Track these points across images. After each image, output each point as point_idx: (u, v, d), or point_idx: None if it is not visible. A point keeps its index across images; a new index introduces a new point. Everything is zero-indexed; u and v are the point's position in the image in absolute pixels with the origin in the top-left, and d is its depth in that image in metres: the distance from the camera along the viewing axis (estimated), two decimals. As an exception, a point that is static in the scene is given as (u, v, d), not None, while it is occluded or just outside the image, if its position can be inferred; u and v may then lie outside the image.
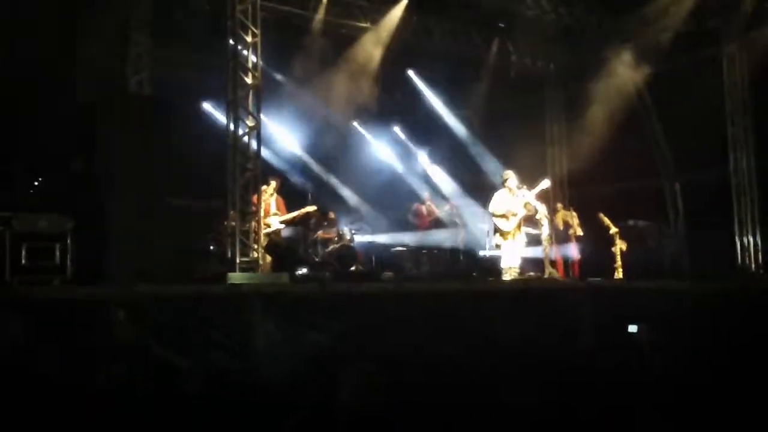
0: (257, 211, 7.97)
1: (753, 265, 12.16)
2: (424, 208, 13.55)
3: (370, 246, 13.30)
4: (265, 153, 9.93)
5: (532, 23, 13.38)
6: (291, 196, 11.21)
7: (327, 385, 3.57)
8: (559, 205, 12.97)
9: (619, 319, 7.14)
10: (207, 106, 13.50)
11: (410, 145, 16.43)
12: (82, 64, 9.52)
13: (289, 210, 10.56)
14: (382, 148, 16.13)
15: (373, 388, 3.22)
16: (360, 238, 12.85)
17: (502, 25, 13.92)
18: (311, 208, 10.91)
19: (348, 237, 12.48)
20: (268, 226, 9.96)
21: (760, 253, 12.20)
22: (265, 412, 4.28)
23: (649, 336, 5.35)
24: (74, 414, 4.77)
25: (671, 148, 14.79)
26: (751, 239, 12.30)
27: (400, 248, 13.41)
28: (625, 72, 14.38)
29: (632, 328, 5.35)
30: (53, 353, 4.90)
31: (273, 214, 10.12)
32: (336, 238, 12.38)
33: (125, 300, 5.49)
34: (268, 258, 9.28)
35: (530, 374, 4.98)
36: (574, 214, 12.73)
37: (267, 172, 10.24)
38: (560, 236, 12.22)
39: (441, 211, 13.54)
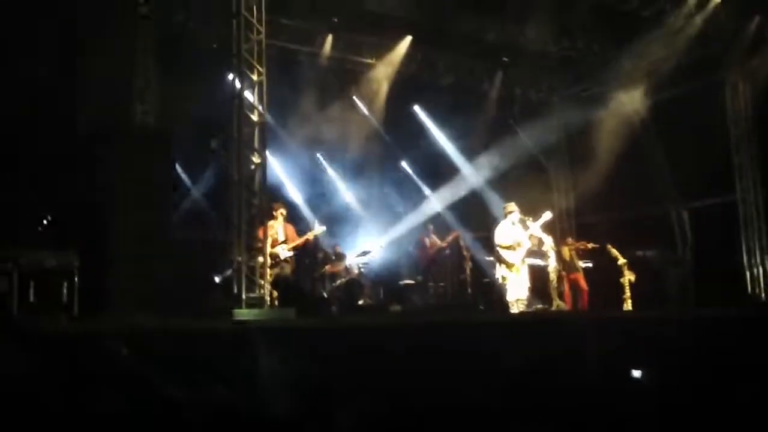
0: (263, 246, 7.99)
1: (763, 294, 12.08)
2: (427, 240, 13.55)
3: (378, 279, 13.30)
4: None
5: (534, 56, 13.51)
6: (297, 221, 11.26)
7: (327, 421, 3.58)
8: (570, 240, 12.91)
9: (627, 351, 7.11)
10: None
11: (415, 178, 16.49)
12: (84, 96, 9.69)
13: (299, 235, 10.58)
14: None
15: (371, 423, 3.22)
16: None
17: (506, 59, 14.06)
18: (319, 230, 10.88)
19: (355, 271, 12.51)
20: (277, 255, 9.95)
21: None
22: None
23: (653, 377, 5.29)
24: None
25: (676, 176, 14.78)
26: (760, 268, 12.24)
27: (408, 281, 13.41)
28: (628, 101, 14.47)
29: (636, 374, 5.31)
30: (55, 387, 4.91)
31: (281, 243, 10.11)
32: (343, 272, 12.41)
33: (128, 334, 5.51)
34: (275, 293, 9.30)
35: (535, 406, 4.95)
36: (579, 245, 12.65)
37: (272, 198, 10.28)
38: (568, 268, 12.20)
39: (444, 242, 13.51)
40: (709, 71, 13.03)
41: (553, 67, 14.26)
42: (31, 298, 6.57)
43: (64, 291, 6.65)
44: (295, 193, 14.78)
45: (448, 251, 13.64)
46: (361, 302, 11.73)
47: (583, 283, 12.06)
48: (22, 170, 9.10)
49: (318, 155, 15.38)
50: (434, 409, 5.04)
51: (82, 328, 5.72)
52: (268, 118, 11.81)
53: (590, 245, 12.11)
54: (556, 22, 12.95)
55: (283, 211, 10.38)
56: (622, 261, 11.53)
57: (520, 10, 12.21)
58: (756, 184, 12.45)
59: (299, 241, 10.41)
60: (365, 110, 14.25)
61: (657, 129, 14.74)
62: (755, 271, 12.28)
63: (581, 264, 12.30)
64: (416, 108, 15.46)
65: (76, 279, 6.77)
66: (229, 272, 9.84)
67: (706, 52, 12.56)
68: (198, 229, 11.91)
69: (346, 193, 15.67)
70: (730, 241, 12.70)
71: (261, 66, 8.22)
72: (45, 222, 8.95)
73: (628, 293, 11.32)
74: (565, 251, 12.18)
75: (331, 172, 15.70)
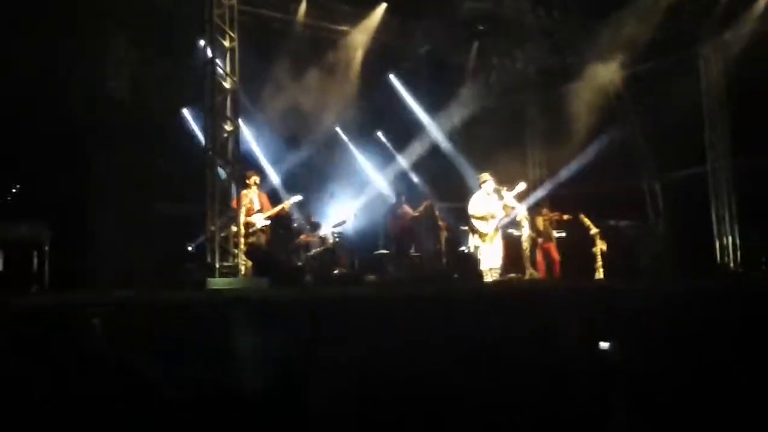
0: (237, 216, 7.94)
1: (732, 264, 12.29)
2: (400, 210, 13.52)
3: (353, 249, 13.28)
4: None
5: (510, 25, 13.45)
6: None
7: (301, 393, 3.59)
8: (545, 210, 12.97)
9: (599, 320, 7.20)
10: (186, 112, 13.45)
11: (391, 149, 16.43)
12: (62, 73, 9.53)
13: (273, 204, 10.51)
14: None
15: (342, 396, 3.22)
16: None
17: (482, 28, 13.98)
18: (296, 199, 10.82)
19: (330, 240, 12.49)
20: (253, 224, 9.90)
21: (738, 252, 12.33)
22: (244, 421, 4.27)
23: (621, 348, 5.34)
24: (48, 426, 4.73)
25: (651, 149, 14.91)
26: (729, 238, 12.44)
27: (383, 251, 13.42)
28: (603, 73, 14.51)
29: (604, 345, 5.35)
30: (26, 363, 4.87)
31: (256, 212, 10.06)
32: (318, 242, 12.38)
33: (101, 307, 5.46)
34: (249, 262, 9.26)
35: (511, 376, 5.00)
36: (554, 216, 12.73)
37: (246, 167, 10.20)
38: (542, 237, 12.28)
39: (417, 212, 13.49)
40: (683, 45, 13.10)
41: (529, 37, 14.20)
42: (1, 268, 6.48)
43: (35, 261, 6.56)
44: (266, 162, 14.62)
45: (422, 220, 13.63)
46: (336, 272, 11.73)
47: (555, 253, 12.16)
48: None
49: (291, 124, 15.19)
50: (406, 380, 5.08)
51: (54, 300, 5.64)
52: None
53: (565, 216, 12.20)
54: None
55: (256, 179, 10.29)
56: (594, 231, 11.66)
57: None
58: (726, 155, 12.60)
59: (275, 209, 10.35)
60: (340, 79, 14.08)
61: (631, 101, 14.84)
62: (725, 240, 12.47)
63: (555, 234, 12.39)
64: (392, 77, 15.32)
65: (46, 249, 6.67)
66: (201, 239, 9.81)
67: (681, 25, 12.60)
68: (179, 201, 11.86)
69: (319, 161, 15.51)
70: (701, 213, 12.88)
71: (233, 32, 8.10)
72: (14, 191, 8.82)
73: (600, 262, 11.47)
74: (539, 221, 12.26)
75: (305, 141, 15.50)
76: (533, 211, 12.50)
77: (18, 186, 8.93)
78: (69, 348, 5.05)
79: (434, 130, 15.49)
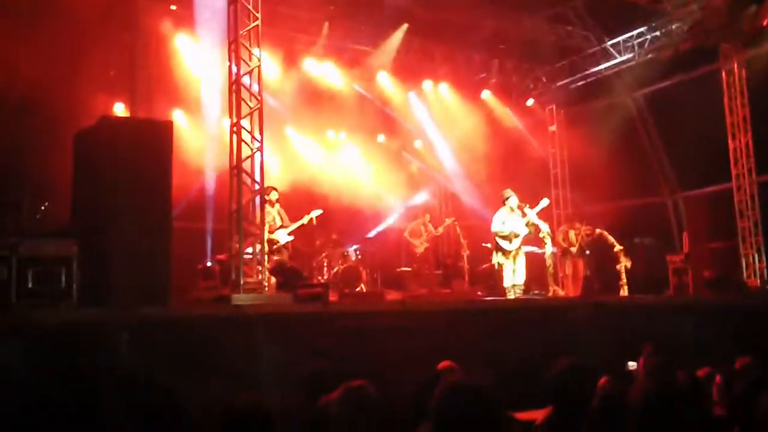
0: (261, 232, 8.00)
1: (758, 281, 12.15)
2: (422, 227, 13.53)
3: (375, 266, 13.32)
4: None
5: (530, 44, 13.50)
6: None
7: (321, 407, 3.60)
8: (577, 224, 12.85)
9: (624, 335, 7.16)
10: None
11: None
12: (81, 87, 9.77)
13: (293, 219, 10.60)
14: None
15: (363, 408, 3.23)
16: None
17: (503, 47, 14.04)
18: (317, 212, 10.89)
19: (353, 257, 12.55)
20: (277, 241, 10.02)
21: (765, 268, 12.19)
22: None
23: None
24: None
25: (673, 164, 14.85)
26: (755, 255, 12.31)
27: (405, 268, 13.45)
28: (625, 89, 14.52)
29: (632, 365, 5.32)
30: (56, 377, 4.93)
31: (279, 228, 10.16)
32: (341, 259, 12.44)
33: (129, 323, 5.53)
34: (273, 279, 9.32)
35: (532, 391, 4.97)
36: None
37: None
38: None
39: (439, 230, 13.49)
40: (705, 59, 13.07)
41: (549, 55, 14.24)
42: (30, 285, 6.55)
43: (63, 278, 6.63)
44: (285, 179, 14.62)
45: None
46: (358, 289, 11.76)
47: (581, 269, 12.10)
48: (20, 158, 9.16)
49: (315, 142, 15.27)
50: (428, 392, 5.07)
51: (83, 317, 5.72)
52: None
53: (597, 230, 12.06)
54: (551, 10, 12.95)
55: (276, 195, 10.40)
56: (618, 248, 11.59)
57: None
58: (751, 171, 12.49)
59: (296, 224, 10.45)
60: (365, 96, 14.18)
61: (654, 117, 14.80)
62: (751, 258, 12.34)
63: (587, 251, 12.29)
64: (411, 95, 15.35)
65: (74, 266, 6.74)
66: (223, 257, 9.91)
67: (703, 41, 12.57)
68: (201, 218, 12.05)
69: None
70: (727, 228, 12.77)
71: (258, 52, 8.21)
72: (43, 208, 8.98)
73: (624, 279, 11.39)
74: (572, 234, 12.15)
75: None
76: (567, 224, 12.48)
77: (46, 203, 9.10)
78: (98, 363, 5.12)
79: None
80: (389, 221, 14.94)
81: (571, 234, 12.38)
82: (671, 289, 12.02)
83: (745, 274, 12.25)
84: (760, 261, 12.27)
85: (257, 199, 7.96)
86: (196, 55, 11.61)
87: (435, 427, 2.43)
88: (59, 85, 9.92)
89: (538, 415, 4.04)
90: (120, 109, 11.70)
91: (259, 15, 8.21)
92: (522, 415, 4.36)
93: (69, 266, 6.67)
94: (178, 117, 12.02)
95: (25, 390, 4.85)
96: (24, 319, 5.52)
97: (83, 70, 10.27)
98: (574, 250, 12.13)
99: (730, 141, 12.64)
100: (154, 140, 7.33)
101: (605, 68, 14.00)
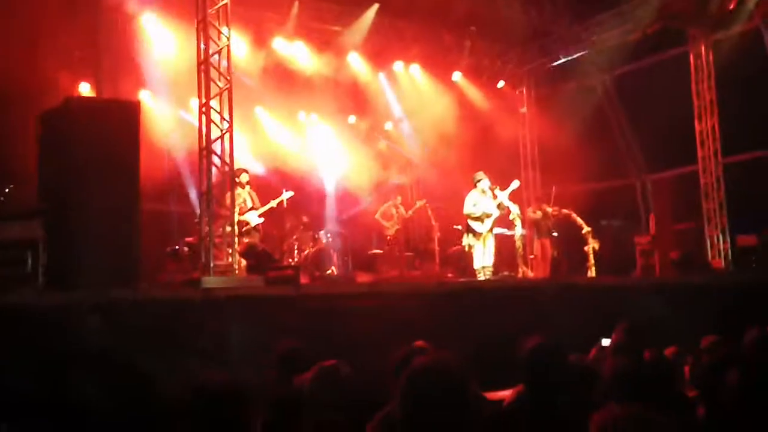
0: (231, 214, 7.94)
1: (722, 261, 12.38)
2: (394, 209, 13.53)
3: (345, 248, 13.31)
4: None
5: (503, 25, 13.49)
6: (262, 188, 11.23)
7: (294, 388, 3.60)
8: (545, 205, 12.94)
9: (592, 315, 7.25)
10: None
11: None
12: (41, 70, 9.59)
13: (264, 201, 10.55)
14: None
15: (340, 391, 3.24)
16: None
17: (474, 28, 14.02)
18: (288, 194, 10.85)
19: (323, 240, 12.53)
20: (248, 223, 9.98)
21: (729, 249, 12.42)
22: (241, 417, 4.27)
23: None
24: (46, 425, 4.73)
25: (641, 147, 15.02)
26: (720, 235, 12.52)
27: (376, 250, 13.46)
28: (594, 72, 14.61)
29: (605, 342, 5.38)
30: (25, 362, 4.87)
31: (249, 210, 10.12)
32: (311, 242, 12.42)
33: (99, 305, 5.46)
34: (243, 261, 9.28)
35: (503, 372, 5.02)
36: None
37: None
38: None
39: (410, 213, 13.51)
40: (673, 43, 13.20)
41: (521, 38, 14.26)
42: (-6, 269, 6.43)
43: (29, 261, 6.52)
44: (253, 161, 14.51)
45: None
46: (329, 272, 11.77)
47: (548, 250, 12.21)
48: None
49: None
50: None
51: (52, 300, 5.63)
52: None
53: (564, 210, 12.13)
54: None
55: (247, 177, 10.34)
56: (586, 229, 11.72)
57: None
58: (717, 153, 12.67)
59: (267, 206, 10.41)
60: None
61: (622, 100, 14.95)
62: (715, 239, 12.56)
63: (554, 233, 12.38)
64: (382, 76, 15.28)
65: (40, 249, 6.63)
66: (192, 240, 9.84)
67: (671, 24, 12.69)
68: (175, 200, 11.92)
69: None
70: (691, 210, 12.97)
71: (227, 31, 8.10)
72: (7, 191, 8.80)
73: (592, 261, 11.54)
74: (539, 215, 12.22)
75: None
76: (535, 205, 12.55)
77: (11, 186, 8.93)
78: (68, 346, 5.06)
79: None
80: (361, 204, 14.87)
81: (539, 213, 12.43)
82: (638, 270, 12.22)
83: (709, 255, 12.46)
84: (724, 242, 12.48)
85: (227, 180, 7.90)
86: (163, 35, 11.41)
87: (401, 405, 2.44)
88: (22, 65, 9.72)
89: (507, 393, 4.09)
90: (86, 90, 11.44)
91: (227, -6, 8.09)
92: (492, 395, 4.41)
93: (35, 249, 6.56)
94: (145, 97, 11.77)
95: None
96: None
97: (47, 50, 10.07)
98: (539, 233, 12.13)
99: (696, 124, 12.80)
100: (122, 121, 7.21)
101: (575, 50, 14.07)
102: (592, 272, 11.44)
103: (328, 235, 12.82)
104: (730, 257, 12.37)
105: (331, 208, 14.56)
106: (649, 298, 8.32)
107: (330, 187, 14.94)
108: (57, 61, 10.29)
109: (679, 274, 10.95)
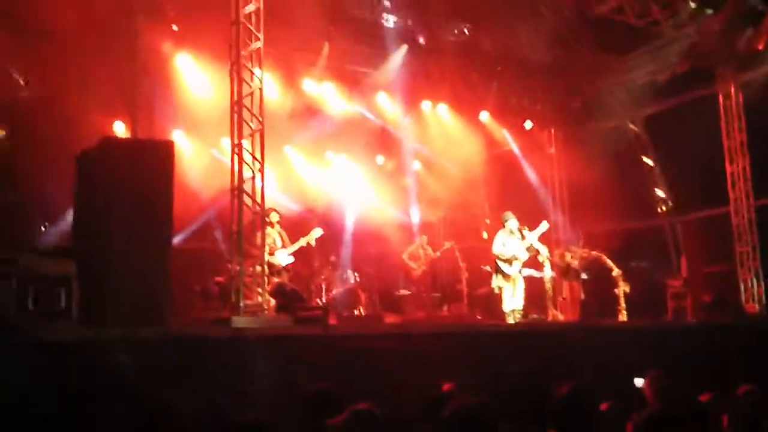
0: (261, 254, 7.98)
1: (756, 305, 12.14)
2: (421, 251, 13.52)
3: (374, 289, 13.29)
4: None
5: (528, 65, 13.57)
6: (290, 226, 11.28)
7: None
8: (574, 247, 12.85)
9: (623, 360, 7.15)
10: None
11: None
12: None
13: (293, 239, 10.60)
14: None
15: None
16: None
17: (500, 68, 14.11)
18: (317, 233, 10.87)
19: (351, 280, 12.53)
20: (277, 264, 10.04)
21: (764, 293, 12.18)
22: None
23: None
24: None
25: (670, 188, 14.91)
26: (754, 279, 12.30)
27: (404, 291, 13.43)
28: (622, 112, 14.59)
29: (638, 382, 5.29)
30: (55, 395, 4.90)
31: (279, 249, 10.20)
32: (339, 281, 12.43)
33: (128, 343, 5.51)
34: (273, 301, 9.30)
35: (531, 413, 4.96)
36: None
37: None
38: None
39: (437, 253, 13.48)
40: (702, 83, 13.15)
41: (547, 76, 14.32)
42: (29, 305, 6.52)
43: (63, 297, 6.61)
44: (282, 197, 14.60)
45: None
46: (357, 312, 11.74)
47: (577, 293, 12.08)
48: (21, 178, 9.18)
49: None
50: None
51: (83, 336, 5.69)
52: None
53: (593, 252, 12.03)
54: (548, 31, 13.00)
55: (277, 217, 10.42)
56: (616, 272, 11.57)
57: (513, 18, 12.26)
58: (749, 195, 12.52)
59: (296, 245, 10.46)
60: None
61: (651, 140, 14.88)
62: (749, 283, 12.33)
63: (583, 275, 12.25)
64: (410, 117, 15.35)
65: (73, 285, 6.72)
66: (222, 279, 9.91)
67: (700, 64, 12.66)
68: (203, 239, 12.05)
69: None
70: (724, 253, 12.78)
71: (259, 72, 8.23)
72: (42, 228, 8.97)
73: (623, 304, 11.36)
74: (568, 257, 12.12)
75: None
76: (563, 247, 12.47)
77: (46, 223, 9.10)
78: (99, 382, 5.09)
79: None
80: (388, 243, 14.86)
81: (567, 256, 12.34)
82: (669, 314, 12.02)
83: (743, 299, 12.23)
84: (758, 285, 12.24)
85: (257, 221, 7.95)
86: (196, 75, 11.65)
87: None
88: (59, 104, 9.97)
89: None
90: (120, 129, 11.68)
91: (261, 36, 8.21)
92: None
93: (69, 286, 6.65)
94: (178, 137, 11.98)
95: (23, 408, 4.82)
96: (24, 337, 5.48)
97: (83, 89, 10.31)
98: (571, 264, 12.03)
99: (727, 165, 12.67)
100: (155, 160, 7.35)
101: (602, 90, 14.08)
102: (623, 315, 11.27)
103: (356, 274, 12.81)
104: (764, 301, 12.12)
105: (357, 247, 14.56)
106: (682, 342, 8.20)
107: (356, 226, 14.96)
108: (93, 100, 10.53)
109: (712, 318, 10.75)
